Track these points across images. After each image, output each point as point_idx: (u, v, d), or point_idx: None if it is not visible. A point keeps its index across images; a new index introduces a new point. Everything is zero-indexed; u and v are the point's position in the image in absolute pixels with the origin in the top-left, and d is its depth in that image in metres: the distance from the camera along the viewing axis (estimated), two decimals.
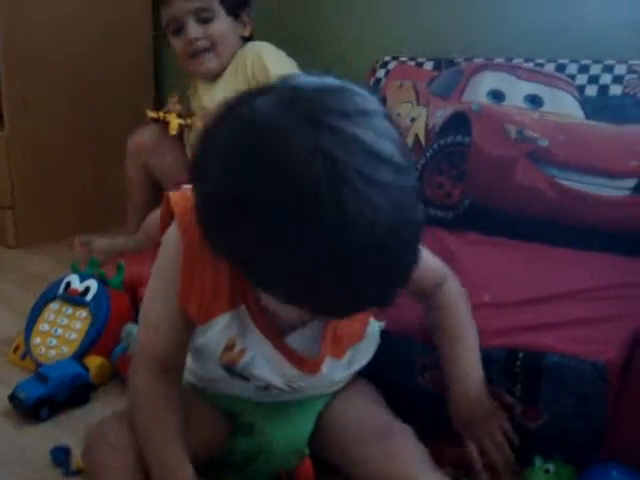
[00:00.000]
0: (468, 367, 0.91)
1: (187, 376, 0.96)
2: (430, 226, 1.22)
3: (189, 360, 0.91)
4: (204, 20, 1.56)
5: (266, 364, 0.85)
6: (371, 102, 0.65)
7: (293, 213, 0.59)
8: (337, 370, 0.91)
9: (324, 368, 0.87)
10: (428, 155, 1.33)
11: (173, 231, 0.82)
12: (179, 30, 1.58)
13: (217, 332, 0.83)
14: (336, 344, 0.87)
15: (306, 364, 0.86)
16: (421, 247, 0.67)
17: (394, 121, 0.66)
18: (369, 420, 0.90)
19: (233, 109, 0.66)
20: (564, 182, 1.17)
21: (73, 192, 2.06)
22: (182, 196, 0.81)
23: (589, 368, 0.85)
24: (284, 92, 0.64)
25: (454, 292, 0.96)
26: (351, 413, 0.92)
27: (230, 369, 0.87)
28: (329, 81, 0.66)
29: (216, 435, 0.92)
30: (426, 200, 1.28)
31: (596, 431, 0.88)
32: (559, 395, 0.87)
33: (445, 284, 0.95)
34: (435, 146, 1.33)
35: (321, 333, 0.86)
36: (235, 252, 0.66)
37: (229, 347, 0.83)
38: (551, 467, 0.89)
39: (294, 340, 0.86)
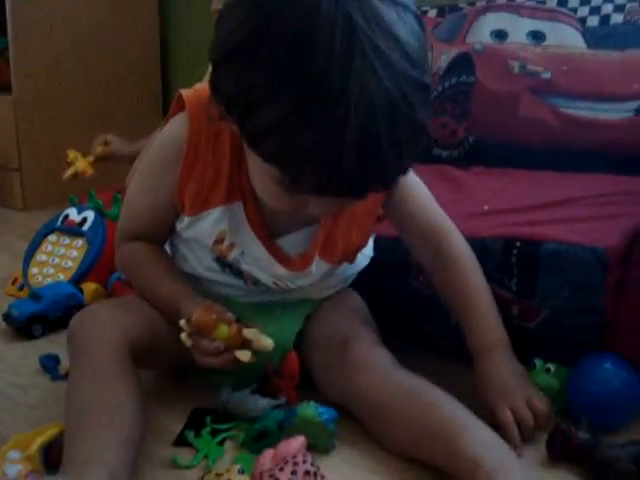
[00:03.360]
0: (488, 339, 0.84)
1: None
2: (436, 163, 1.24)
3: (180, 258, 0.91)
4: None
5: (254, 261, 0.85)
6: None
7: (302, 61, 0.58)
8: (328, 275, 0.90)
9: (313, 269, 0.85)
10: (432, 98, 1.32)
11: (179, 121, 0.82)
12: None
13: (208, 224, 0.83)
14: (330, 248, 0.86)
15: (294, 263, 0.85)
16: (413, 155, 0.66)
17: (423, 25, 0.65)
18: (337, 329, 0.88)
19: None
20: (568, 111, 1.17)
21: None
22: (195, 92, 0.81)
23: (588, 254, 0.82)
24: None
25: (462, 246, 0.88)
26: (327, 321, 0.91)
27: (222, 261, 0.86)
28: None
29: None
30: (431, 141, 1.28)
31: (596, 327, 0.85)
32: (557, 286, 0.84)
33: (452, 235, 0.89)
34: (439, 88, 1.33)
35: (313, 235, 0.85)
36: (237, 94, 0.64)
37: (219, 241, 0.83)
38: (552, 367, 0.86)
39: (285, 242, 0.85)
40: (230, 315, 0.77)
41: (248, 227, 0.83)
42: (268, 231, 0.84)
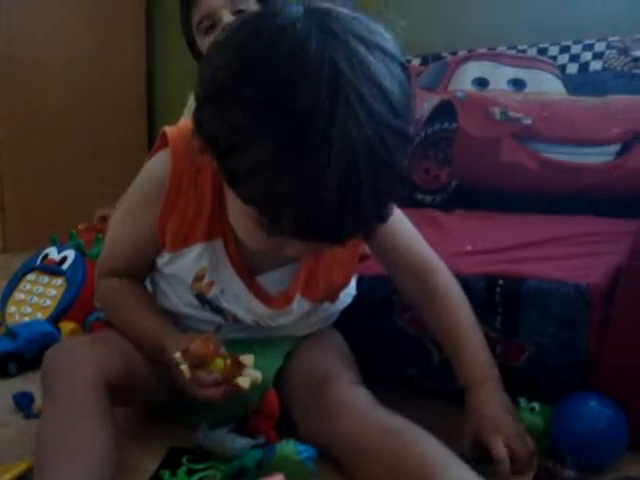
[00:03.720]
0: (479, 373, 0.83)
1: None
2: (419, 208, 1.25)
3: (160, 294, 0.90)
4: (240, 12, 1.53)
5: (234, 299, 0.84)
6: (394, 48, 0.64)
7: (286, 105, 0.58)
8: (310, 313, 0.89)
9: (294, 307, 0.85)
10: (415, 144, 1.34)
11: (162, 157, 0.82)
12: (213, 26, 1.54)
13: (189, 261, 0.82)
14: (311, 287, 0.85)
15: (274, 301, 0.84)
16: (391, 203, 0.67)
17: (409, 75, 0.66)
18: (317, 368, 0.86)
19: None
20: (549, 155, 1.20)
21: (62, 197, 2.06)
22: (178, 129, 0.82)
23: (572, 291, 0.82)
24: (317, 10, 0.63)
25: (449, 281, 0.88)
26: (307, 359, 0.89)
27: (201, 298, 0.85)
28: (366, 17, 0.65)
29: None
30: (414, 187, 1.30)
31: (580, 365, 0.84)
32: (540, 323, 0.84)
33: (439, 270, 0.89)
34: (422, 134, 1.35)
35: (294, 274, 0.84)
36: (219, 133, 0.64)
37: (198, 278, 0.83)
38: (536, 405, 0.85)
39: (265, 279, 0.85)
40: (223, 349, 0.75)
41: (228, 264, 0.83)
42: (248, 269, 0.84)
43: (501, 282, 0.86)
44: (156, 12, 2.29)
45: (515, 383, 0.88)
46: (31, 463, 0.70)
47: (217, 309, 0.86)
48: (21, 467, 0.71)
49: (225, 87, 0.62)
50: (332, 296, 0.90)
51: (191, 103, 1.36)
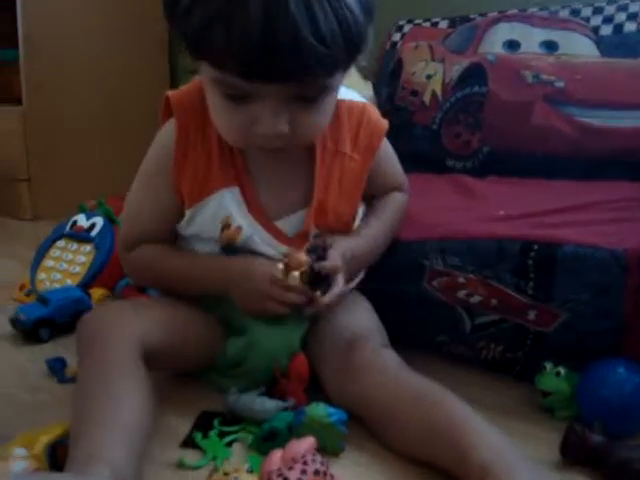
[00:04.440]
0: (371, 232, 0.92)
1: None
2: (449, 174, 1.24)
3: None
4: None
5: (262, 241, 0.86)
6: None
7: None
8: None
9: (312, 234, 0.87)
10: (445, 108, 1.32)
11: (168, 126, 0.85)
12: None
13: (210, 212, 0.84)
14: (321, 215, 0.87)
15: (294, 241, 0.86)
16: (333, 31, 0.66)
17: None
18: (345, 331, 0.87)
19: None
20: (582, 119, 1.16)
21: (87, 167, 2.07)
22: (180, 91, 0.86)
23: (607, 256, 0.80)
24: None
25: (399, 197, 0.98)
26: (334, 323, 0.89)
27: (230, 249, 0.87)
28: None
29: (211, 336, 0.90)
30: (445, 152, 1.27)
31: (614, 331, 0.83)
32: (575, 289, 0.82)
33: (399, 192, 0.99)
34: (452, 99, 1.32)
35: (307, 214, 0.87)
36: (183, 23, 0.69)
37: (226, 226, 0.84)
38: (562, 370, 0.84)
39: (283, 224, 0.87)
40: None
41: (247, 211, 0.85)
42: (266, 215, 0.86)
43: (535, 247, 0.85)
44: None
45: (545, 348, 0.88)
46: (67, 427, 0.70)
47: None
48: (58, 430, 0.71)
49: None
50: (340, 228, 0.90)
51: None
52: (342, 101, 0.88)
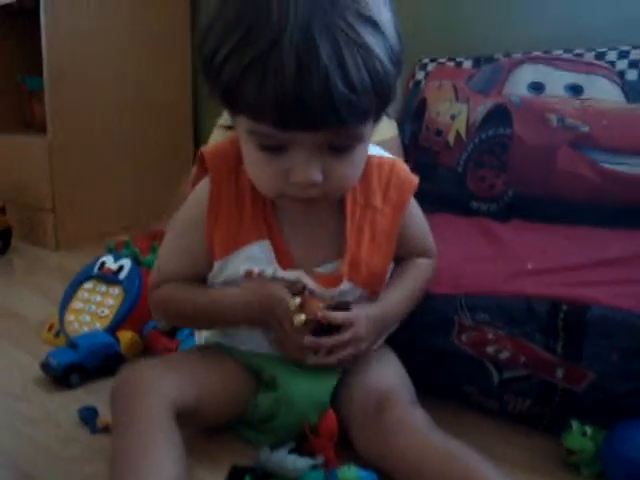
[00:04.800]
0: (391, 300, 0.91)
1: (210, 336, 0.98)
2: (475, 216, 1.24)
3: None
4: None
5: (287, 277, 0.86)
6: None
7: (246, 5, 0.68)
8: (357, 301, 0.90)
9: (343, 287, 0.87)
10: (469, 149, 1.33)
11: (203, 183, 0.87)
12: None
13: (239, 263, 0.85)
14: (355, 270, 0.87)
15: (324, 279, 0.87)
16: (365, 83, 0.68)
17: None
18: (374, 387, 0.87)
19: None
20: (607, 166, 1.16)
21: (111, 197, 2.10)
22: (214, 147, 0.88)
23: (637, 321, 0.81)
24: None
25: (425, 266, 0.97)
26: (363, 378, 0.90)
27: None
28: None
29: (242, 391, 0.91)
30: (470, 194, 1.28)
31: None
32: (605, 351, 0.83)
33: (426, 258, 0.98)
34: (476, 140, 1.33)
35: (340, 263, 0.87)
36: (219, 79, 0.71)
37: (248, 275, 0.86)
38: (588, 429, 0.85)
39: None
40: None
41: (276, 263, 0.86)
42: (295, 266, 0.87)
43: (565, 307, 0.85)
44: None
45: (573, 405, 0.88)
46: None
47: None
48: None
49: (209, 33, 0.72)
50: (374, 282, 0.90)
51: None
52: (372, 157, 0.89)
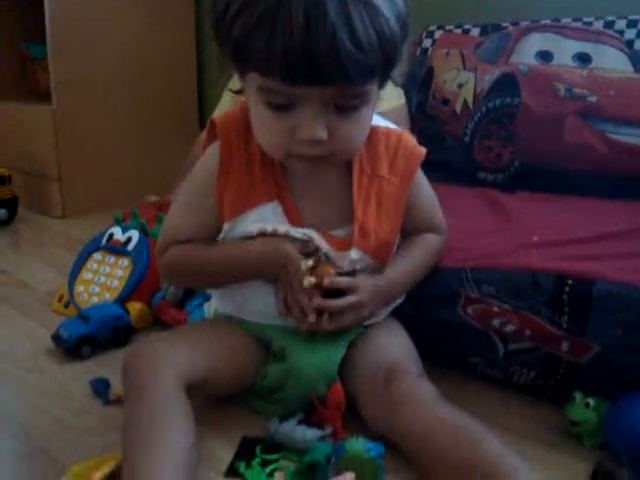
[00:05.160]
0: (397, 271, 0.92)
1: (220, 308, 0.98)
2: (481, 187, 1.24)
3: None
4: None
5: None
6: None
7: None
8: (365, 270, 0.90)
9: (352, 254, 0.87)
10: (476, 118, 1.32)
11: (213, 148, 0.88)
12: None
13: (250, 223, 0.86)
14: (363, 237, 0.88)
15: (334, 242, 0.87)
16: (370, 38, 0.69)
17: None
18: (382, 360, 0.88)
19: None
20: (614, 136, 1.16)
21: (116, 165, 2.10)
22: (224, 114, 0.89)
23: None
24: None
25: (434, 240, 0.97)
26: (371, 351, 0.91)
27: None
28: None
29: (251, 362, 0.93)
30: (477, 164, 1.28)
31: None
32: (609, 325, 0.83)
33: (435, 234, 0.98)
34: (483, 109, 1.32)
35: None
36: (230, 34, 0.73)
37: (261, 233, 0.86)
38: (591, 401, 0.87)
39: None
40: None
41: (288, 223, 0.87)
42: (305, 225, 0.88)
43: (570, 282, 0.86)
44: None
45: (577, 377, 0.90)
46: (118, 459, 0.73)
47: None
48: (110, 464, 0.74)
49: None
50: (383, 252, 0.91)
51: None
52: (379, 127, 0.90)
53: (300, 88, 0.72)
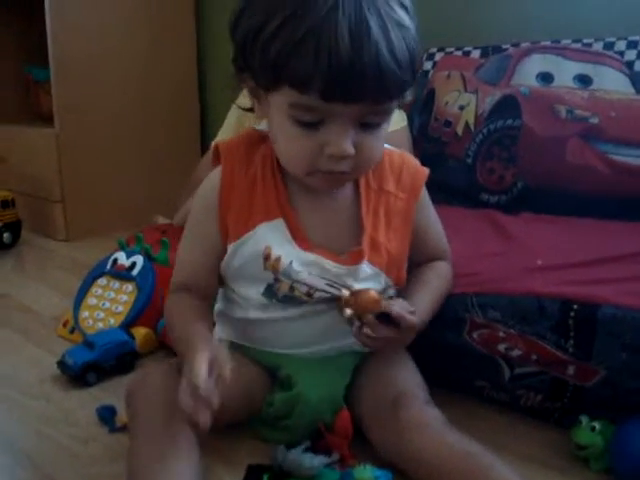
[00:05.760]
0: (424, 303, 0.89)
1: (224, 334, 0.98)
2: (483, 208, 1.25)
3: (230, 306, 0.94)
4: None
5: (303, 268, 0.86)
6: None
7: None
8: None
9: (364, 267, 0.86)
10: (478, 140, 1.33)
11: (214, 172, 0.89)
12: None
13: (254, 243, 0.86)
14: (374, 251, 0.87)
15: (342, 260, 0.86)
16: (402, 56, 0.71)
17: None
18: (389, 386, 0.89)
19: None
20: (616, 157, 1.16)
21: (120, 187, 2.11)
22: (229, 141, 0.90)
23: None
24: None
25: (446, 269, 0.97)
26: (377, 377, 0.91)
27: (270, 292, 0.88)
28: None
29: (257, 389, 0.93)
30: (479, 186, 1.29)
31: None
32: (615, 350, 0.83)
33: (443, 261, 0.98)
34: (485, 131, 1.33)
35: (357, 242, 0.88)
36: (265, 54, 0.73)
37: (267, 257, 0.85)
38: (597, 424, 0.87)
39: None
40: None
41: (292, 241, 0.86)
42: (310, 242, 0.87)
43: (575, 307, 0.86)
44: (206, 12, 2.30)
45: (584, 400, 0.90)
46: None
47: (286, 299, 0.88)
48: None
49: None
50: (394, 267, 0.90)
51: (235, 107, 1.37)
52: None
53: (336, 105, 0.72)
